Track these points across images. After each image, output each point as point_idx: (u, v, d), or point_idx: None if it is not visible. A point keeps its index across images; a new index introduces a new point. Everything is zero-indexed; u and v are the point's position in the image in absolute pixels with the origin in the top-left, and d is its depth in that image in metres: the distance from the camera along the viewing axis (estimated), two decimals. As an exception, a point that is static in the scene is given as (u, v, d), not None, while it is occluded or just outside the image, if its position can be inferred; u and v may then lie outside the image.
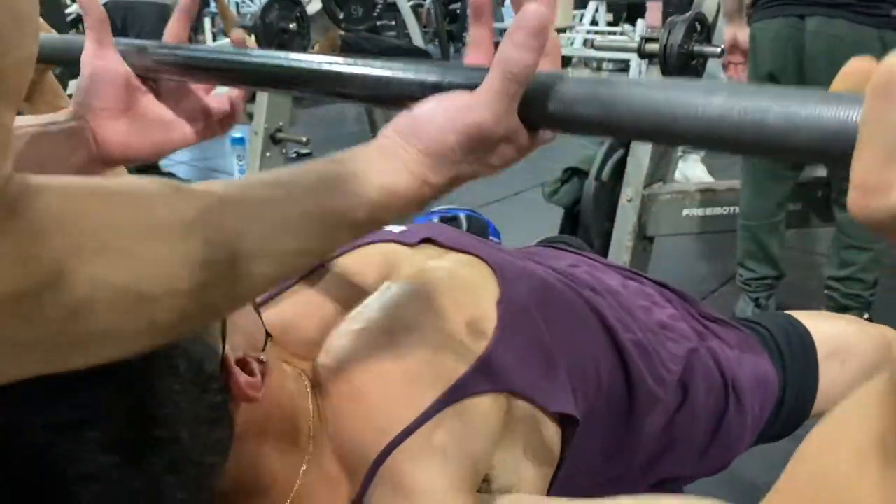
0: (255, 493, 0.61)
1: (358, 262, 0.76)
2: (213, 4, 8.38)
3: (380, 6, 3.44)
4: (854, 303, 2.01)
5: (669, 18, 2.23)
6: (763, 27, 1.94)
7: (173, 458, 0.50)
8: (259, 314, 0.64)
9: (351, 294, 0.72)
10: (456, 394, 0.61)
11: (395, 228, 0.81)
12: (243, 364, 0.58)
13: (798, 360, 0.96)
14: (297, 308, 0.72)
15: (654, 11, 3.59)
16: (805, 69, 1.86)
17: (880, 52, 0.32)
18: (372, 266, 0.76)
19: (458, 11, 8.71)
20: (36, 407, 0.45)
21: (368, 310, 0.67)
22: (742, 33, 2.11)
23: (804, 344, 0.98)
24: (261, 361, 0.59)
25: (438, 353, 0.63)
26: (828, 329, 1.01)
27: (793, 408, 0.95)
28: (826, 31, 1.78)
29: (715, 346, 0.89)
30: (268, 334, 0.63)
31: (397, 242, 0.79)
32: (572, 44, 6.19)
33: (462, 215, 1.99)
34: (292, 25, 3.06)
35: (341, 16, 3.23)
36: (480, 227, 2.41)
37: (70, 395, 0.46)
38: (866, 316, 2.02)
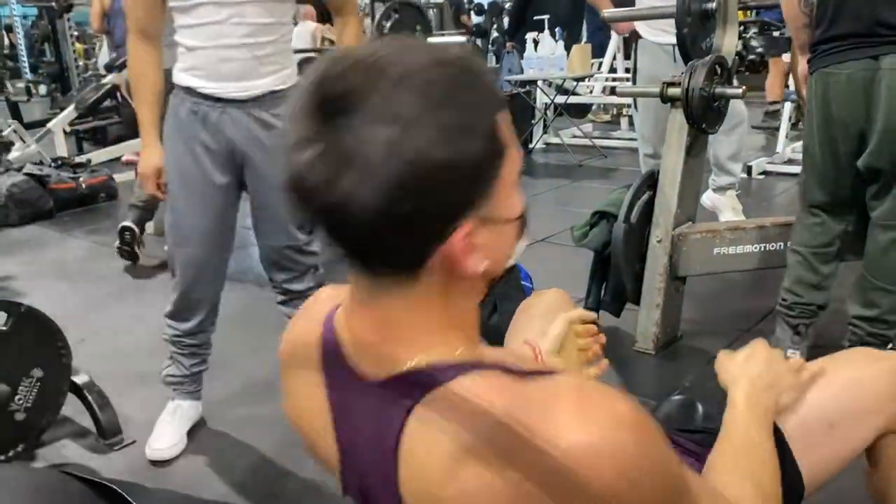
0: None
1: None
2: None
3: None
4: (876, 340, 2.00)
5: (690, 62, 2.28)
6: (833, 72, 1.88)
7: None
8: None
9: None
10: None
11: None
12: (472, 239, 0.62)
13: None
14: None
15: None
16: (879, 110, 1.82)
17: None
18: None
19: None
20: None
21: None
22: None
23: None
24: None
25: None
26: (819, 401, 1.04)
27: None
28: None
29: None
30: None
31: None
32: (591, 91, 6.29)
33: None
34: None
35: None
36: (512, 273, 2.44)
37: None
38: (890, 347, 2.00)
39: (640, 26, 3.31)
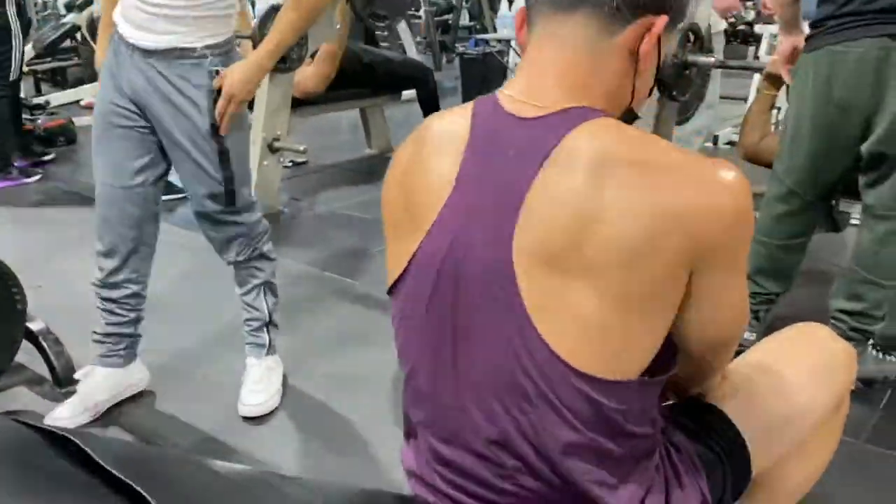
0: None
1: None
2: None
3: None
4: (858, 335, 1.91)
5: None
6: (842, 50, 1.75)
7: None
8: None
9: None
10: None
11: None
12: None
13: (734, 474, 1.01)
14: None
15: None
16: (891, 94, 1.71)
17: None
18: None
19: (450, 23, 8.77)
20: None
21: None
22: (801, 42, 1.96)
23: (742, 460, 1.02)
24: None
25: None
26: (775, 400, 1.05)
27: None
28: None
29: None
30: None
31: None
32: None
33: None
34: (290, 35, 3.09)
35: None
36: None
37: None
38: (871, 342, 1.93)
39: None
